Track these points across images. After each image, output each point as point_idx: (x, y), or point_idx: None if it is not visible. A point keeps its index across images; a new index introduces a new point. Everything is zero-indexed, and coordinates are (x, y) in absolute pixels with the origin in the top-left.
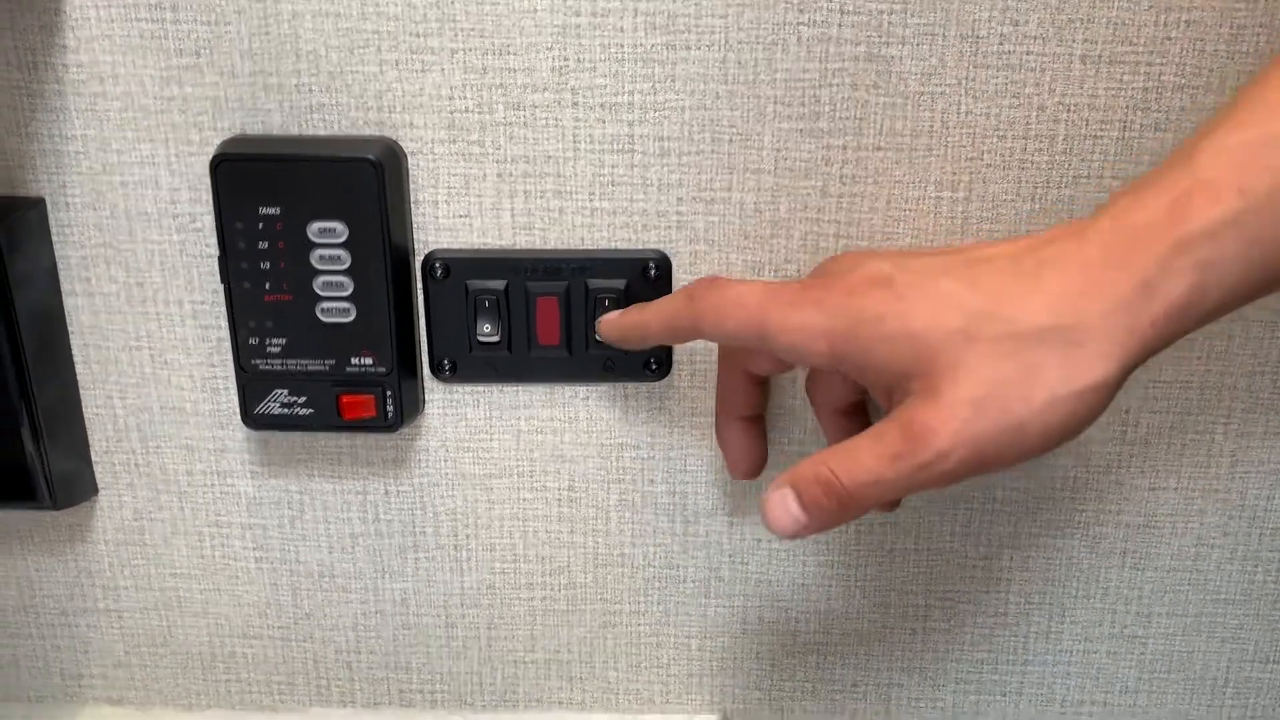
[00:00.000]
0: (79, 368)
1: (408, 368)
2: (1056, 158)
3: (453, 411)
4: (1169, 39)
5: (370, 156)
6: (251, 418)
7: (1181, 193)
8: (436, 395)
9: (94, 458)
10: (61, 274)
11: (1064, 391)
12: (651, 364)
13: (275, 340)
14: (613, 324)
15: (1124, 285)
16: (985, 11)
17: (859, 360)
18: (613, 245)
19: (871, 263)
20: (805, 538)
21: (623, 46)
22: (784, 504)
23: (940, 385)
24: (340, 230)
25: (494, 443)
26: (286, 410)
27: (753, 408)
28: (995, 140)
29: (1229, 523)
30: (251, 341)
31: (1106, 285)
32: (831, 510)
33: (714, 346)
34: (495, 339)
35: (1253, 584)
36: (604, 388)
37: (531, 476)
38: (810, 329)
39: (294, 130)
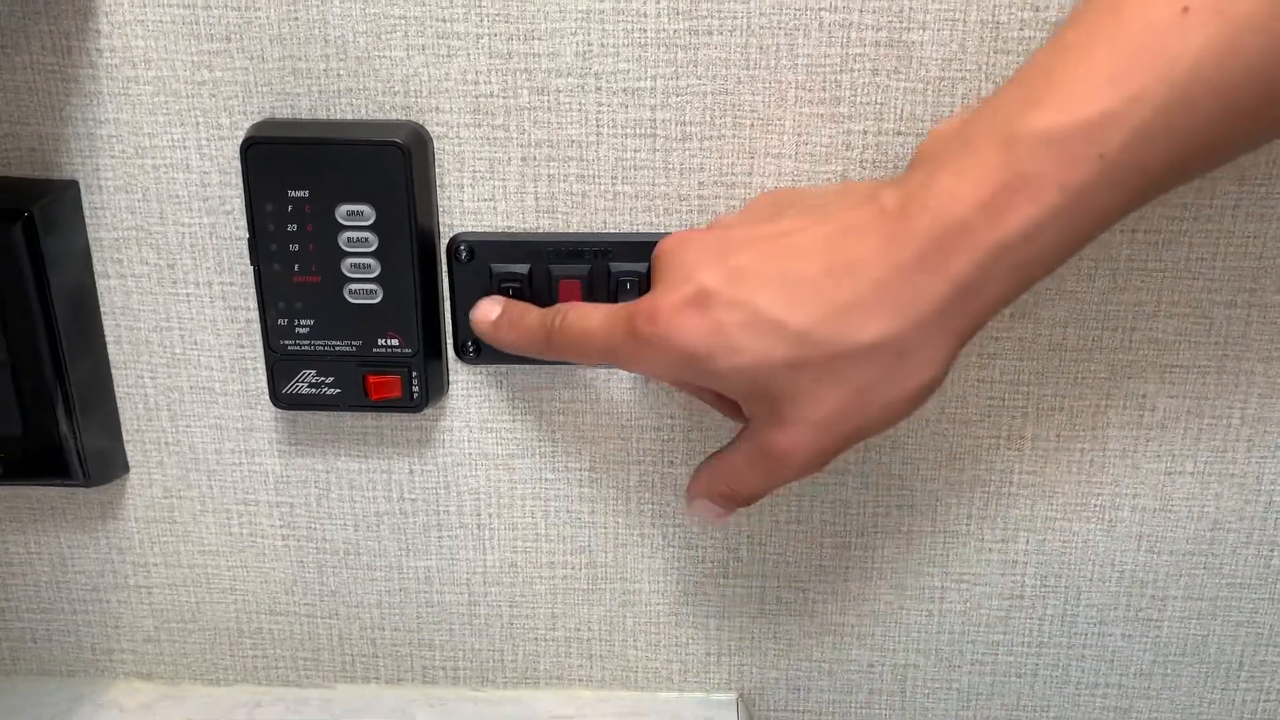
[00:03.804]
0: (111, 348)
1: (433, 349)
2: None
3: (476, 392)
4: None
5: (397, 140)
6: (280, 398)
7: (1000, 187)
8: (460, 376)
9: (125, 436)
10: (94, 255)
11: (896, 395)
12: None
13: (303, 321)
14: (482, 325)
15: (941, 291)
16: None
17: (705, 383)
18: (635, 229)
19: (696, 275)
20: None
21: (645, 31)
22: (709, 510)
23: (783, 411)
24: (368, 213)
25: (516, 423)
26: (314, 390)
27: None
28: None
29: (1245, 507)
30: (280, 322)
31: (923, 293)
32: (739, 506)
33: None
34: None
35: (1268, 568)
36: (625, 370)
37: (553, 457)
38: (654, 369)
39: (322, 114)
